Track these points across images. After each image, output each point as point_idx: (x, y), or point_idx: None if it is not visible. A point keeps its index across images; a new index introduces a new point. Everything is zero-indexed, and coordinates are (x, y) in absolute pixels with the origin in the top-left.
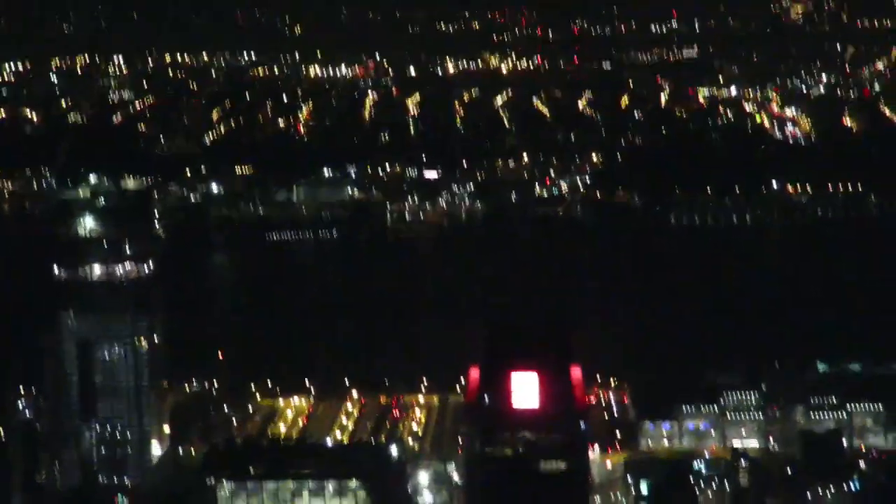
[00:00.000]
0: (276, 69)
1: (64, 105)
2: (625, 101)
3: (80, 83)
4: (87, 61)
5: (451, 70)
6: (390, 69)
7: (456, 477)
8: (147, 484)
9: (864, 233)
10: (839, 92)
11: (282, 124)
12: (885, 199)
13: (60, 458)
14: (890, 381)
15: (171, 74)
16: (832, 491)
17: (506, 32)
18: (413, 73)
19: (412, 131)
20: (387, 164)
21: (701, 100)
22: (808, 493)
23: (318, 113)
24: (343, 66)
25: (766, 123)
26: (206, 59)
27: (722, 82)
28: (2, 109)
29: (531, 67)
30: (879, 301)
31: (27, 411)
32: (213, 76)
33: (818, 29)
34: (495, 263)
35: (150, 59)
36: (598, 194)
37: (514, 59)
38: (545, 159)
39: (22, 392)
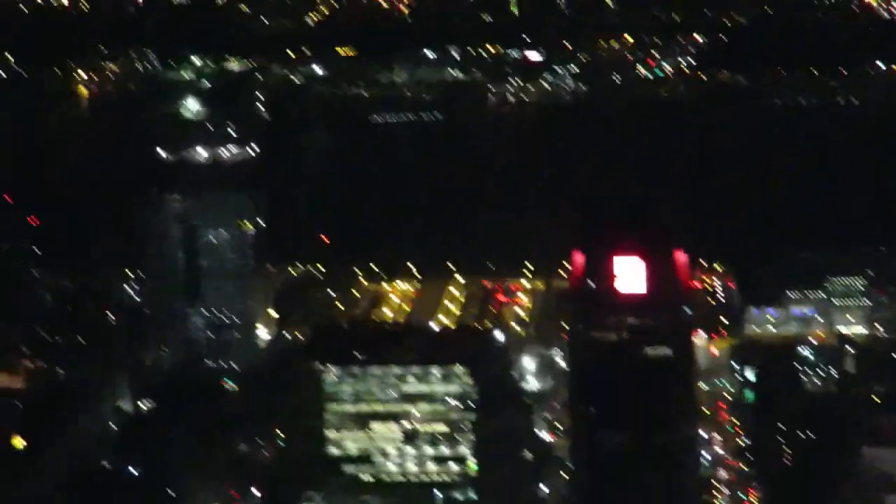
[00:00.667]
0: None
1: None
2: None
3: None
4: None
5: None
6: None
7: (561, 362)
8: (252, 368)
9: None
10: None
11: (384, 4)
12: None
13: (166, 340)
14: None
15: None
16: None
17: None
18: None
19: (514, 11)
20: (488, 45)
21: None
22: None
23: None
24: None
25: (873, 2)
26: None
27: None
28: None
29: None
30: None
31: (133, 294)
32: None
33: None
34: (597, 146)
35: None
36: (702, 75)
37: None
38: (648, 39)
39: (128, 274)
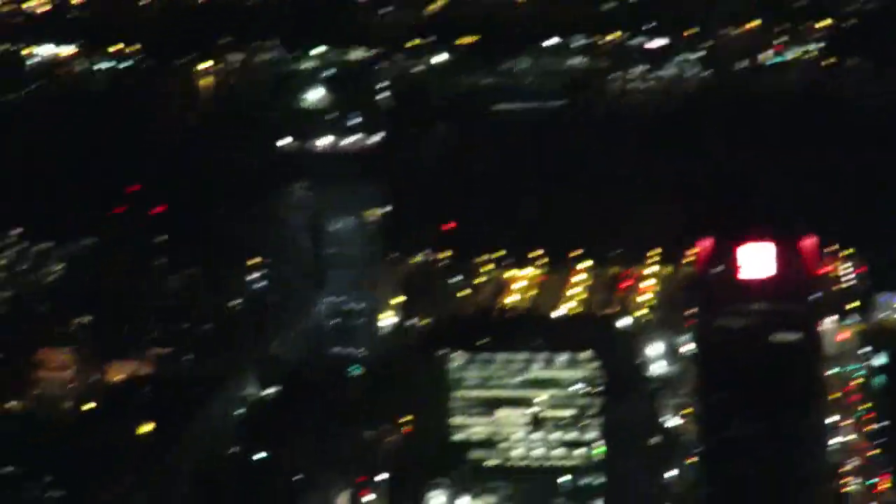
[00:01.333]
0: None
1: None
2: None
3: None
4: None
5: None
6: None
7: (686, 348)
8: (377, 355)
9: None
10: None
11: None
12: None
13: (293, 328)
14: None
15: None
16: None
17: None
18: None
19: None
20: (611, 32)
21: None
22: None
23: None
24: None
25: None
26: None
27: None
28: None
29: None
30: None
31: (258, 281)
32: None
33: None
34: (724, 133)
35: None
36: (830, 61)
37: None
38: (775, 24)
39: (252, 262)
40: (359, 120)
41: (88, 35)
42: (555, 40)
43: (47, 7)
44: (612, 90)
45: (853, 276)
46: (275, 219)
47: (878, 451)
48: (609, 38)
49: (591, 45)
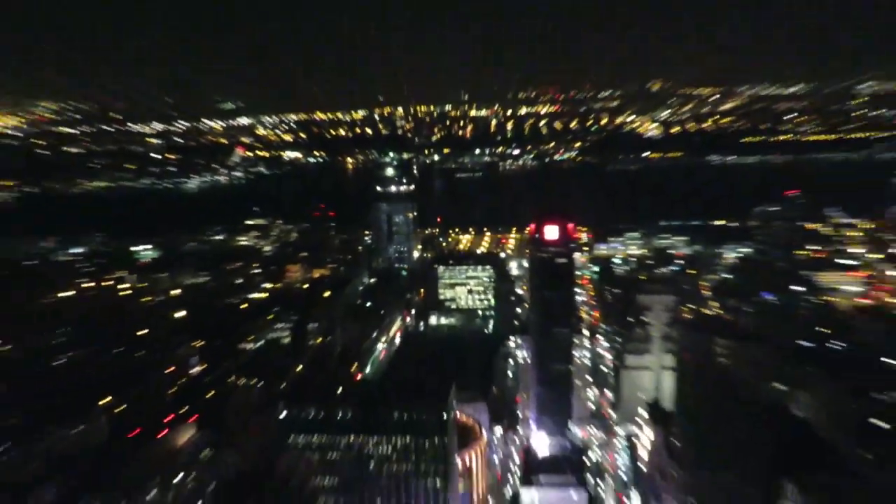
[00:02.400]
0: None
1: None
2: None
3: None
4: None
5: None
6: None
7: (525, 265)
8: (412, 266)
9: None
10: None
11: (460, 131)
12: None
13: (381, 258)
14: None
15: None
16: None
17: None
18: None
19: (509, 133)
20: (499, 147)
21: None
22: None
23: None
24: None
25: None
26: None
27: None
28: None
29: None
30: None
31: (368, 240)
32: None
33: None
34: (541, 183)
35: None
36: (584, 158)
37: None
38: (564, 142)
39: (366, 232)
40: (405, 180)
41: (306, 148)
42: (477, 151)
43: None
44: (502, 167)
45: (586, 237)
46: (375, 217)
47: (595, 303)
48: (498, 150)
49: (493, 152)
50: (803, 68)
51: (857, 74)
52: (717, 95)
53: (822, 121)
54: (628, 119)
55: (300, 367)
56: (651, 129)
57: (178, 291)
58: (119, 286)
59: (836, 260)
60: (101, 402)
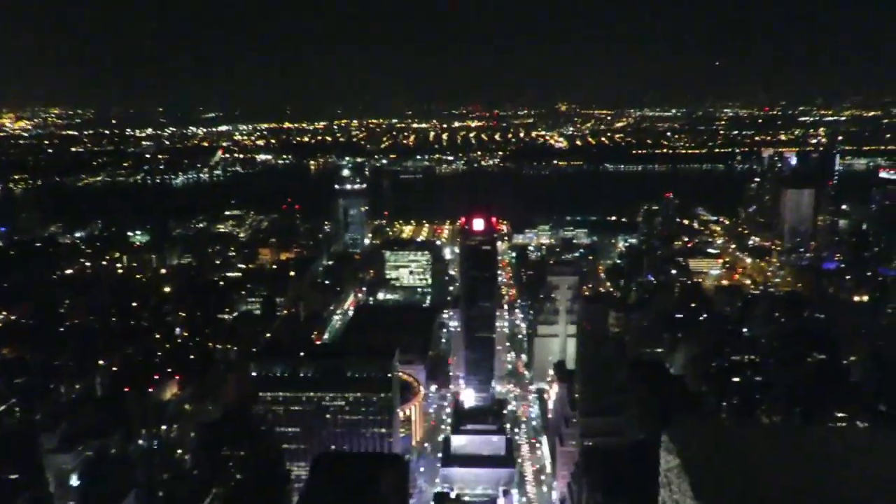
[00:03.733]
0: None
1: None
2: None
3: None
4: None
5: None
6: None
7: (457, 251)
8: (363, 250)
9: None
10: None
11: (405, 140)
12: None
13: (338, 242)
14: None
15: None
16: None
17: None
18: None
19: (444, 142)
20: (438, 155)
21: None
22: None
23: None
24: None
25: None
26: None
27: None
28: None
29: None
30: None
31: (328, 227)
32: None
33: None
34: (472, 185)
35: None
36: (502, 164)
37: None
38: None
39: (326, 222)
40: (358, 180)
41: (276, 152)
42: (419, 156)
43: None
44: (438, 171)
45: (506, 228)
46: (333, 209)
47: (513, 282)
48: (436, 156)
49: (431, 158)
50: (679, 96)
51: (719, 102)
52: (611, 116)
53: (692, 138)
54: (540, 133)
55: (269, 333)
56: (559, 141)
57: (165, 270)
58: (115, 265)
59: (702, 248)
60: (98, 363)
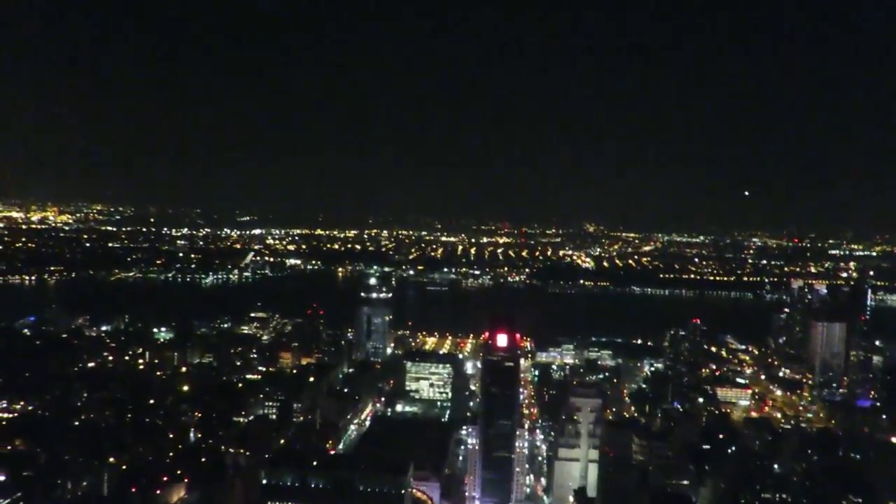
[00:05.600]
0: None
1: None
2: None
3: None
4: None
5: None
6: None
7: (478, 365)
8: (386, 360)
9: None
10: None
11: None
12: None
13: (360, 350)
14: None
15: None
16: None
17: None
18: None
19: (472, 257)
20: (464, 269)
21: None
22: None
23: None
24: None
25: None
26: None
27: None
28: None
29: None
30: None
31: (350, 335)
32: None
33: None
34: (496, 301)
35: None
36: (532, 282)
37: None
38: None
39: (349, 329)
40: (384, 289)
41: (306, 257)
42: (445, 269)
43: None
44: (464, 284)
45: (530, 346)
46: (357, 317)
47: (534, 401)
48: (462, 270)
49: (457, 271)
50: (707, 224)
51: (747, 231)
52: (639, 239)
53: (720, 265)
54: (567, 252)
55: (283, 440)
56: (586, 261)
57: (185, 369)
58: (137, 360)
59: (730, 377)
60: (108, 460)
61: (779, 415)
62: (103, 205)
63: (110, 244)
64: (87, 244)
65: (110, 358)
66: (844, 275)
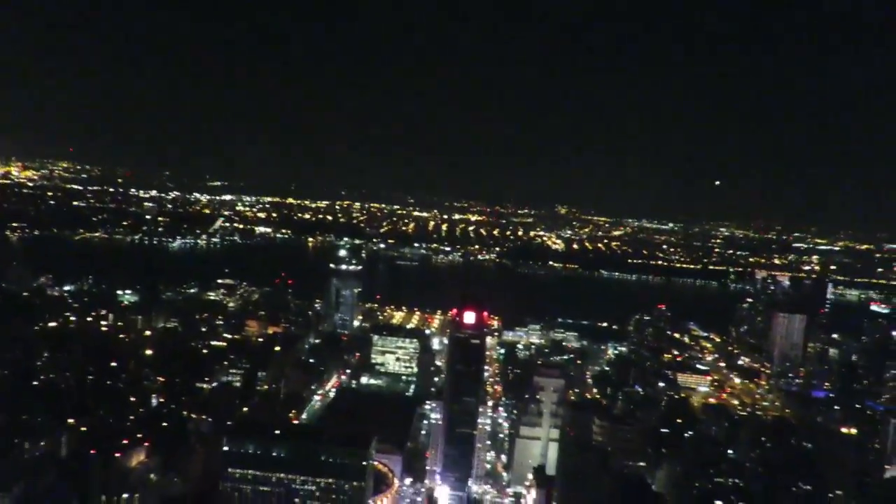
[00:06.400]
0: None
1: None
2: None
3: None
4: None
5: None
6: None
7: (445, 341)
8: (353, 332)
9: None
10: None
11: (406, 227)
12: None
13: (327, 322)
14: None
15: None
16: None
17: None
18: None
19: (445, 234)
20: (443, 245)
21: None
22: None
23: None
24: None
25: None
26: None
27: None
28: None
29: None
30: None
31: (318, 307)
32: None
33: None
34: (465, 277)
35: None
36: (501, 261)
37: None
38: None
39: (317, 301)
40: (354, 261)
41: (276, 225)
42: (416, 244)
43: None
44: (434, 261)
45: (497, 324)
46: (326, 289)
47: (498, 379)
48: (433, 246)
49: (428, 247)
50: (677, 212)
51: (717, 221)
52: (609, 223)
53: (688, 253)
54: (539, 233)
55: (247, 408)
56: (556, 243)
57: (149, 333)
58: (100, 322)
59: (692, 364)
60: (67, 422)
61: (736, 402)
62: (69, 163)
63: (75, 203)
64: (52, 202)
65: (73, 319)
66: (807, 268)
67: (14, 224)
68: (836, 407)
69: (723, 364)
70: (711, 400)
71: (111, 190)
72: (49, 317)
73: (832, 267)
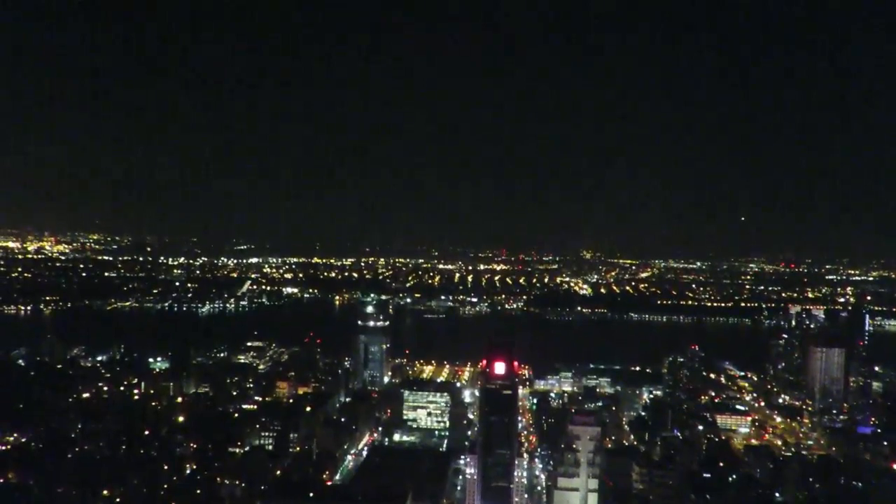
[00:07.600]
0: None
1: None
2: None
3: None
4: None
5: None
6: None
7: (476, 393)
8: (383, 389)
9: None
10: None
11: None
12: None
13: (357, 379)
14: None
15: None
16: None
17: None
18: None
19: (469, 285)
20: (461, 296)
21: None
22: None
23: None
24: None
25: None
26: None
27: None
28: None
29: None
30: None
31: (347, 363)
32: None
33: None
34: (492, 327)
35: None
36: (528, 309)
37: None
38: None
39: (346, 358)
40: (381, 317)
41: (303, 285)
42: (443, 297)
43: None
44: (461, 312)
45: (528, 373)
46: (354, 346)
47: (533, 429)
48: (460, 297)
49: (455, 299)
50: (704, 250)
51: (744, 257)
52: (636, 265)
53: (717, 291)
54: (565, 279)
55: (279, 470)
56: (583, 288)
57: (181, 399)
58: (132, 390)
59: (730, 404)
60: (103, 492)
61: (779, 442)
62: (100, 234)
63: (107, 273)
64: (84, 274)
65: (105, 388)
66: (842, 300)
67: (47, 297)
68: (884, 443)
69: (762, 403)
70: (753, 441)
71: (140, 259)
72: (82, 387)
73: (867, 297)
